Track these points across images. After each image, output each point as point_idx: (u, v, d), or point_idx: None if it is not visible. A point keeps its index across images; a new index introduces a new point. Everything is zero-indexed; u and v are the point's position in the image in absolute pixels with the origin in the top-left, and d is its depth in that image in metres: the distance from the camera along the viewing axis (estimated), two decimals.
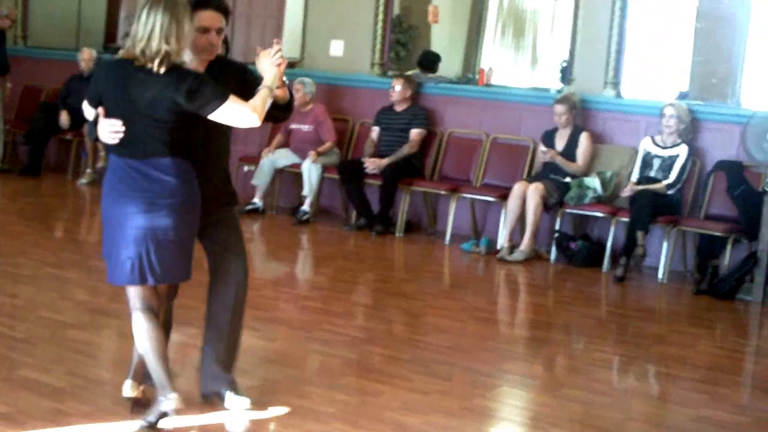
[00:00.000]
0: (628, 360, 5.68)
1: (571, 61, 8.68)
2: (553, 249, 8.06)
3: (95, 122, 3.88)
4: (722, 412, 4.71)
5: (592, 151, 8.21)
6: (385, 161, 8.73)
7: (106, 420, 4.00)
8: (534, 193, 7.96)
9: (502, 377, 5.10)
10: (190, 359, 4.59)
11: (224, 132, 4.04)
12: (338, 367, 4.97)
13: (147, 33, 3.71)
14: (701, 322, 6.66)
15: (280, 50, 3.89)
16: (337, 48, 9.74)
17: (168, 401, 3.83)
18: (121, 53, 3.84)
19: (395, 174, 8.67)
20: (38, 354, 4.81)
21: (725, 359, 5.74)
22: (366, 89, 9.51)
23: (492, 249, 8.12)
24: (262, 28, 10.16)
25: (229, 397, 4.18)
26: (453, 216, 8.52)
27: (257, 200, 9.14)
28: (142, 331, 3.85)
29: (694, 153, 7.88)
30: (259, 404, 4.21)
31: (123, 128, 3.77)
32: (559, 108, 8.22)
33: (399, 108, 9.02)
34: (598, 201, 7.98)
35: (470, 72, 10.98)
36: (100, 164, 9.99)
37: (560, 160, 8.13)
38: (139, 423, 3.91)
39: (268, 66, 3.90)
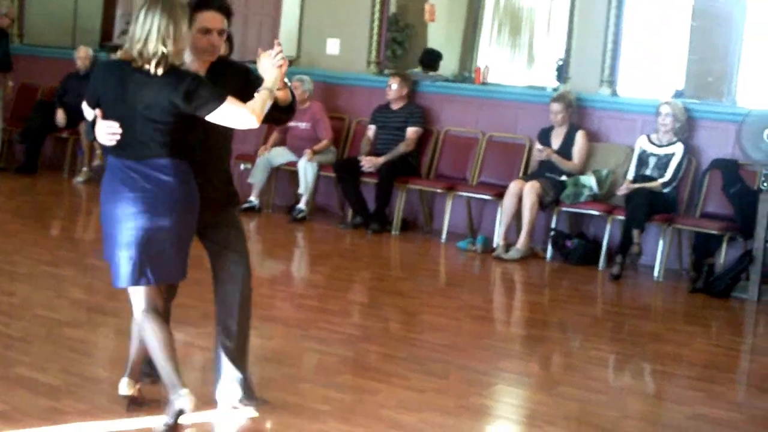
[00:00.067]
0: (624, 358, 5.69)
1: (567, 60, 8.69)
2: (549, 247, 8.06)
3: (93, 123, 3.87)
4: (718, 410, 4.72)
5: (588, 150, 8.22)
6: (381, 159, 8.72)
7: (102, 418, 4.00)
8: (530, 191, 7.96)
9: (498, 375, 5.10)
10: (190, 359, 4.59)
11: (224, 133, 4.01)
12: (334, 365, 4.98)
13: (144, 34, 3.70)
14: (697, 320, 6.67)
15: (281, 51, 3.87)
16: (333, 46, 9.74)
17: (181, 398, 3.77)
18: (119, 54, 3.83)
19: (391, 172, 8.67)
20: (34, 352, 4.80)
21: (721, 357, 5.75)
22: (362, 87, 9.51)
23: (488, 247, 8.13)
24: (259, 26, 10.16)
25: (240, 398, 4.16)
26: (449, 214, 8.52)
27: (253, 198, 9.13)
28: (149, 332, 3.83)
29: (690, 151, 7.89)
30: (255, 402, 4.20)
31: (120, 130, 3.76)
32: (555, 106, 8.23)
33: (395, 106, 9.02)
34: (594, 199, 7.98)
35: (466, 70, 10.97)
36: (96, 162, 9.97)
37: (556, 159, 8.14)
38: (138, 423, 3.91)
39: (269, 67, 3.87)
